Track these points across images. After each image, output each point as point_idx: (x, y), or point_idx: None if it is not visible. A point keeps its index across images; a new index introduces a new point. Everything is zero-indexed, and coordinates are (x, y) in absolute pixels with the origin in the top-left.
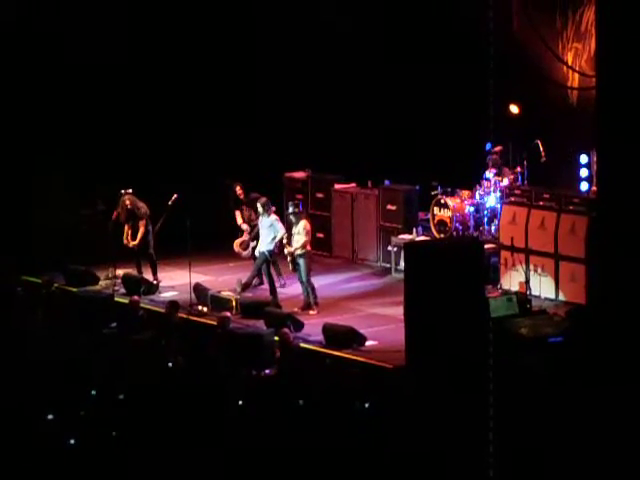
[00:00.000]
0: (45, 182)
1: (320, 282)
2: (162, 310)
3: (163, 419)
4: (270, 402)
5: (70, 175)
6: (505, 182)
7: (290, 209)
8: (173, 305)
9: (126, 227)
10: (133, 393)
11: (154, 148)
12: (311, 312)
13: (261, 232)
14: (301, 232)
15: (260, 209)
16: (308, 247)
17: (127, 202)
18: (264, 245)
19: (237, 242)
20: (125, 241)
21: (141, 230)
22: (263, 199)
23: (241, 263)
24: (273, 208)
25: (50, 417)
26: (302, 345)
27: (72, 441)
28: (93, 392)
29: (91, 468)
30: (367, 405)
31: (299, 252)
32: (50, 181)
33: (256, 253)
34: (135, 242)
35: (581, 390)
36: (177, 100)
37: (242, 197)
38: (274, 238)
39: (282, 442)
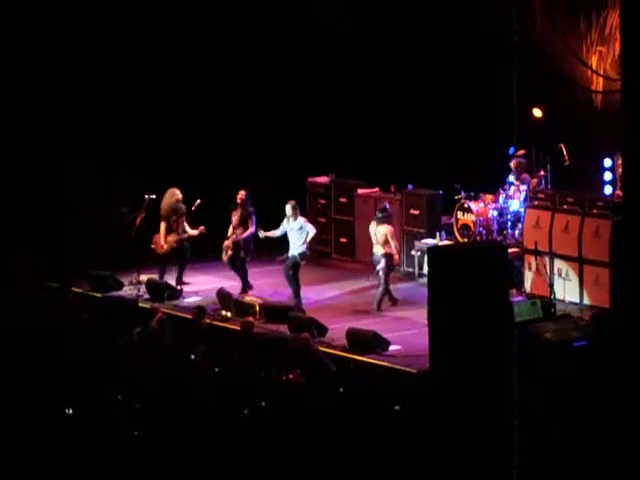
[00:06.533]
0: (73, 186)
1: (343, 287)
2: (185, 315)
3: (186, 423)
4: (294, 405)
5: (98, 179)
6: (523, 187)
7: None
8: (200, 310)
9: (162, 227)
10: (156, 397)
11: (177, 153)
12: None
13: (290, 236)
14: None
15: (289, 211)
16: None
17: (176, 196)
18: (295, 248)
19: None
20: (162, 242)
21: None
22: (292, 201)
23: (264, 269)
24: None
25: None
26: (323, 349)
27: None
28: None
29: (111, 467)
30: (397, 407)
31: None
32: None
33: (291, 254)
34: (186, 235)
35: (607, 395)
36: (201, 105)
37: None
38: (304, 241)
39: (307, 445)
